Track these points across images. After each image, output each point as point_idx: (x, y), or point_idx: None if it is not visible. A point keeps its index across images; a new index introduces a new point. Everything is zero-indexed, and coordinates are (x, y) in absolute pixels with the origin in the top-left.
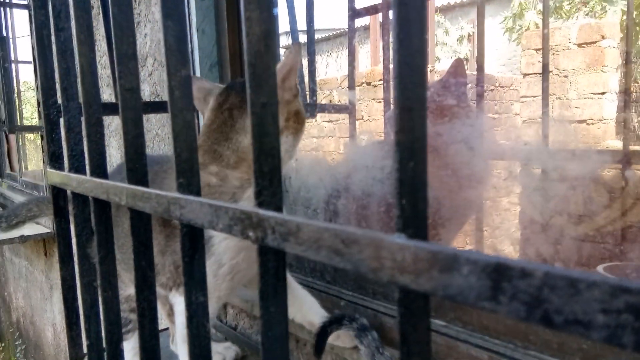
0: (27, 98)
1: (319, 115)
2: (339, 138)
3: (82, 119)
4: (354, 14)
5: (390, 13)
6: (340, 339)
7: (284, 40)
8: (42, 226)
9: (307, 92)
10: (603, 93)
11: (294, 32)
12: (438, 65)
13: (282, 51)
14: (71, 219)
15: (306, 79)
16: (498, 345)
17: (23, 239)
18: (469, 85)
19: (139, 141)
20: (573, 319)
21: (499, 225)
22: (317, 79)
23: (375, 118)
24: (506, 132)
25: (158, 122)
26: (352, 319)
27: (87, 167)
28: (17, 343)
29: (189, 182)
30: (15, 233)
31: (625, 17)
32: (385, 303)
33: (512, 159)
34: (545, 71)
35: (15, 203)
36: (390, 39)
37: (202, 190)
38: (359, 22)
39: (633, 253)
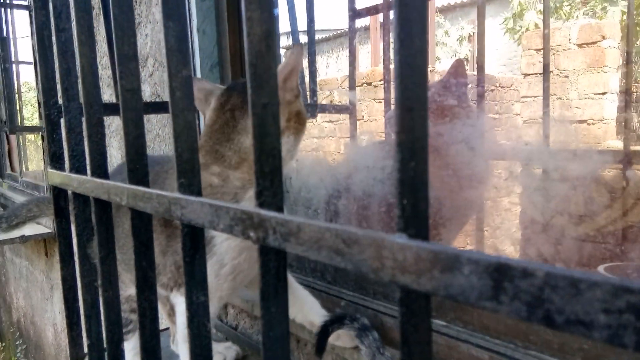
0: (28, 98)
1: (319, 115)
2: (340, 138)
3: (83, 119)
4: (355, 14)
5: (391, 13)
6: (340, 339)
7: (285, 41)
8: (43, 226)
9: (308, 93)
10: (604, 93)
11: (294, 32)
12: (438, 66)
13: (282, 51)
14: (72, 219)
15: (307, 79)
16: (499, 345)
17: (24, 239)
18: (470, 85)
19: (140, 141)
20: (574, 319)
21: (500, 226)
22: (318, 79)
23: (375, 118)
24: (507, 133)
25: (159, 122)
26: (353, 319)
27: (88, 168)
28: (17, 343)
29: (190, 182)
30: (15, 233)
31: (625, 17)
32: (386, 303)
33: (513, 159)
34: (545, 71)
35: (15, 203)
36: (391, 39)
37: (204, 191)
38: (360, 23)
39: (634, 253)
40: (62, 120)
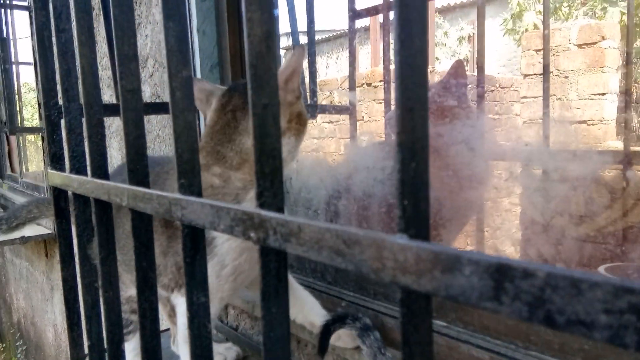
0: (28, 99)
1: (319, 116)
2: (340, 139)
3: (83, 120)
4: (354, 15)
5: (391, 14)
6: (341, 339)
7: (285, 41)
8: (43, 227)
9: (308, 93)
10: (603, 94)
11: (294, 33)
12: (438, 66)
13: (282, 52)
14: (72, 219)
15: (307, 80)
16: (499, 345)
17: (24, 240)
18: (470, 86)
19: (140, 142)
20: (575, 320)
21: (500, 226)
22: (318, 80)
23: (375, 119)
24: (507, 133)
25: (159, 123)
26: (356, 318)
27: (88, 168)
28: (18, 344)
29: (191, 182)
30: (16, 234)
31: (624, 17)
32: (386, 303)
33: (513, 160)
34: (545, 72)
35: (16, 204)
36: (391, 40)
37: (205, 192)
38: (359, 23)
39: (634, 253)
40: (63, 121)
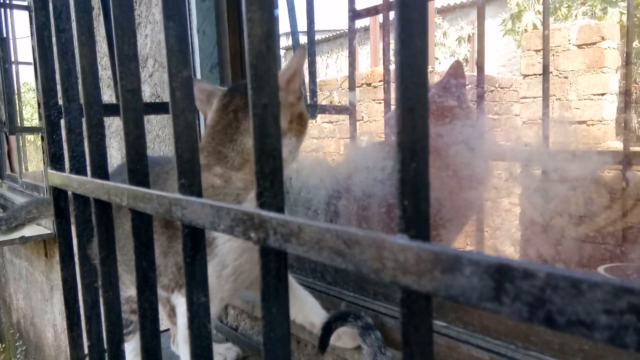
0: (28, 99)
1: (319, 116)
2: (340, 139)
3: (83, 120)
4: (354, 15)
5: (391, 14)
6: (341, 339)
7: (284, 42)
8: (43, 227)
9: (308, 93)
10: (603, 94)
11: (294, 33)
12: (438, 66)
13: (282, 52)
14: (72, 220)
15: (307, 80)
16: (499, 346)
17: (23, 240)
18: (469, 86)
19: (140, 142)
20: (575, 320)
21: (500, 226)
22: (318, 80)
23: (375, 119)
24: (506, 133)
25: (159, 123)
26: (357, 317)
27: (88, 168)
28: (17, 344)
29: (191, 182)
30: (15, 234)
31: (624, 17)
32: (386, 304)
33: (513, 160)
34: (545, 72)
35: (15, 204)
36: (392, 40)
37: (206, 192)
38: (359, 23)
39: (634, 254)
40: (62, 121)
